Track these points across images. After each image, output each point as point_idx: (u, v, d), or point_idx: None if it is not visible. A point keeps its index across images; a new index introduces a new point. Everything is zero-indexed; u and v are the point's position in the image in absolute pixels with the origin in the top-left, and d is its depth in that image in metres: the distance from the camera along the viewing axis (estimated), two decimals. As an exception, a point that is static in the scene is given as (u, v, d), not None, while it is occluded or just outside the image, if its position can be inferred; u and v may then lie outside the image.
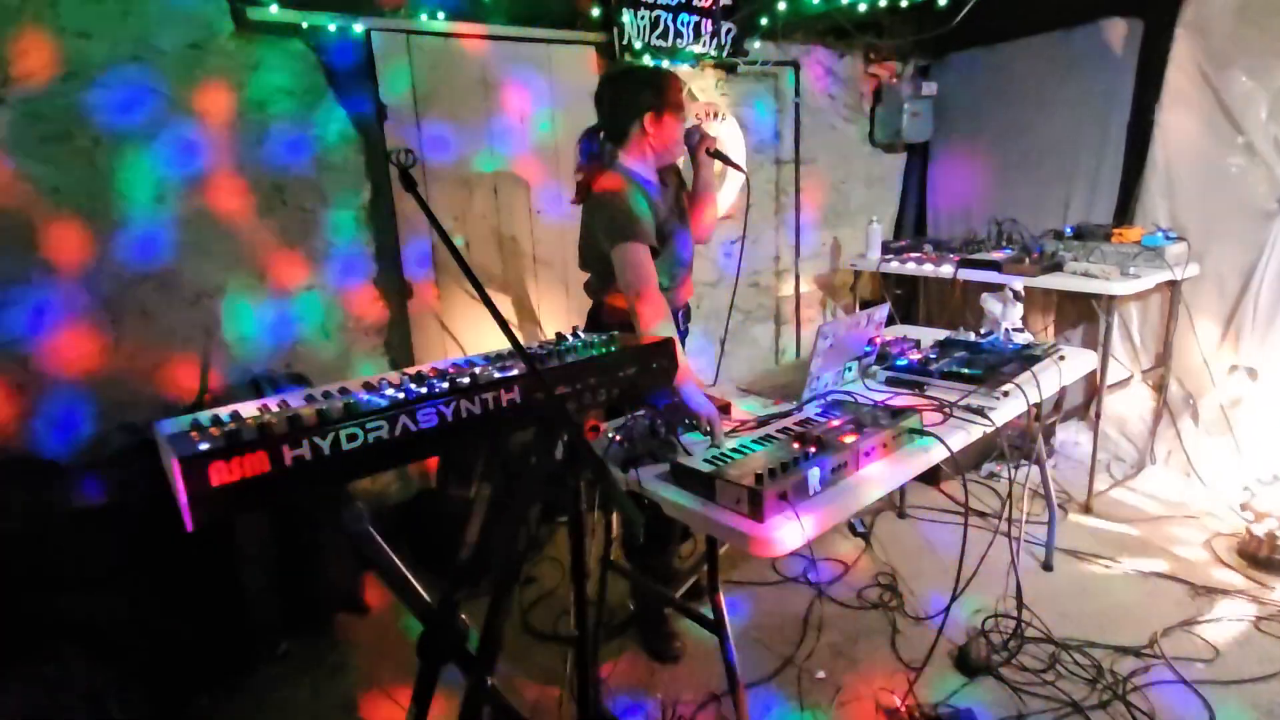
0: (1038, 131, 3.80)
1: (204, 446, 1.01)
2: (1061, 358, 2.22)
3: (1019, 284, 2.46)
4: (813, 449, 1.56)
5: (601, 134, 2.01)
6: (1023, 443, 3.18)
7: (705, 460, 1.56)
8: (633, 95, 1.95)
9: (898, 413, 1.73)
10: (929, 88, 4.17)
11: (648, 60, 3.23)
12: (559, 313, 3.21)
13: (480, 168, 2.97)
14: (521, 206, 3.10)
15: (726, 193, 3.71)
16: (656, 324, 1.82)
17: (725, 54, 3.48)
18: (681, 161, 2.17)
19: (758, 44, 3.62)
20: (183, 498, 0.98)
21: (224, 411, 1.19)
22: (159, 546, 2.02)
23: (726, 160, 2.12)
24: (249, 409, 1.20)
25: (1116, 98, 3.46)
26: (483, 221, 3.01)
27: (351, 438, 1.09)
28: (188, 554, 2.06)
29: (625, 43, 3.16)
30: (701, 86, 3.59)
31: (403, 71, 2.71)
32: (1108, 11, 3.45)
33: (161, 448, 1.11)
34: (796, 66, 3.90)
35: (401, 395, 1.22)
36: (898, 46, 4.14)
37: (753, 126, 3.89)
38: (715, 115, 3.50)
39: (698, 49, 3.39)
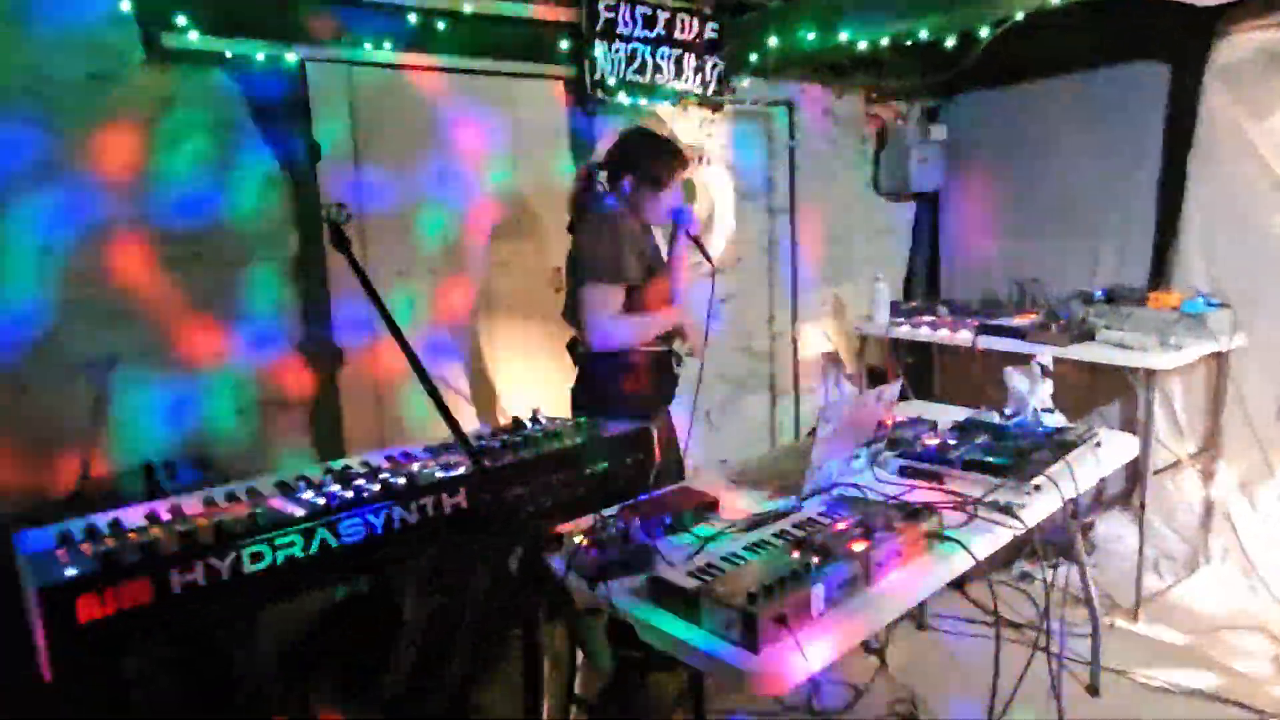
0: (1060, 182, 3.93)
1: (71, 572, 0.95)
2: (1098, 444, 2.24)
3: (1047, 356, 2.50)
4: (816, 558, 1.54)
5: (602, 169, 2.54)
6: (1058, 536, 3.17)
7: (690, 572, 1.51)
8: (630, 153, 2.50)
9: (914, 511, 1.72)
10: (938, 131, 4.32)
11: (623, 98, 3.32)
12: (521, 384, 3.18)
13: (430, 216, 2.98)
14: (478, 260, 3.11)
15: (718, 237, 3.78)
16: (600, 332, 2.35)
17: (710, 92, 3.59)
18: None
19: (747, 81, 3.73)
20: (41, 639, 0.92)
21: (102, 519, 1.13)
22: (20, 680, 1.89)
23: (701, 249, 2.58)
24: (133, 516, 1.15)
25: (1145, 147, 3.60)
26: (432, 277, 3.01)
27: (257, 557, 1.04)
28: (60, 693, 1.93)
29: (598, 78, 3.24)
30: (684, 128, 3.67)
31: (341, 108, 2.74)
32: (1131, 54, 3.63)
33: (21, 569, 1.05)
34: (791, 106, 4.02)
35: (322, 500, 1.18)
36: (902, 86, 4.29)
37: (742, 171, 3.97)
38: (701, 160, 3.58)
39: (679, 85, 3.49)
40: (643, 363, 2.47)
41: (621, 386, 2.46)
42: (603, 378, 2.48)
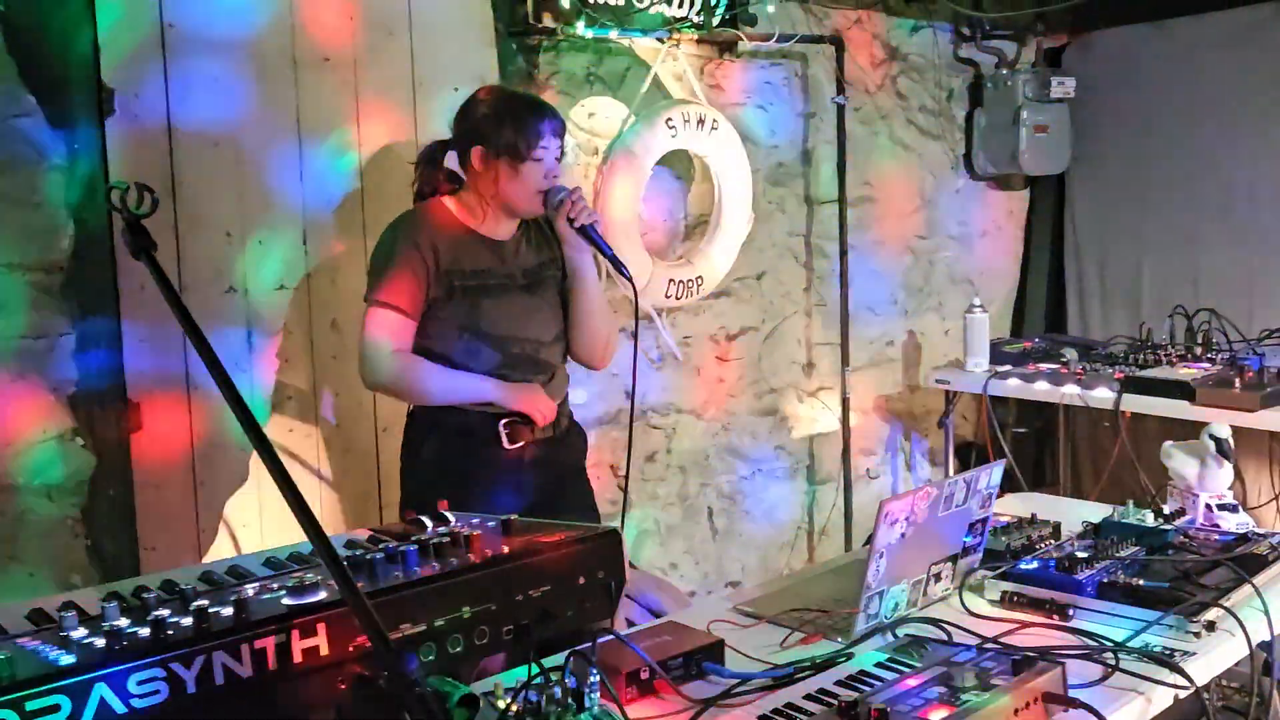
0: (1247, 164, 3.98)
1: None
2: (1305, 559, 2.27)
3: (1225, 427, 2.51)
4: (871, 737, 1.55)
5: (449, 148, 2.69)
6: (1246, 706, 3.18)
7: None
8: (467, 118, 2.62)
9: (1023, 662, 1.73)
10: (1063, 85, 4.36)
11: (582, 29, 3.36)
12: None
13: (283, 199, 3.01)
14: (357, 266, 3.11)
15: (728, 240, 3.79)
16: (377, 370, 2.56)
17: (717, 21, 3.63)
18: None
19: (772, 7, 3.77)
20: None
21: None
22: None
23: (599, 247, 2.61)
24: None
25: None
26: (283, 295, 3.04)
27: (-6, 732, 1.05)
28: None
29: (542, -3, 3.30)
30: (677, 73, 3.71)
31: (147, 28, 2.78)
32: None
33: None
34: (839, 45, 4.07)
35: (101, 641, 1.17)
36: (1010, 16, 4.37)
37: (764, 142, 4.01)
38: (702, 123, 3.62)
39: (670, 11, 3.53)
40: (448, 424, 2.62)
41: (428, 460, 2.63)
42: (413, 442, 2.70)
